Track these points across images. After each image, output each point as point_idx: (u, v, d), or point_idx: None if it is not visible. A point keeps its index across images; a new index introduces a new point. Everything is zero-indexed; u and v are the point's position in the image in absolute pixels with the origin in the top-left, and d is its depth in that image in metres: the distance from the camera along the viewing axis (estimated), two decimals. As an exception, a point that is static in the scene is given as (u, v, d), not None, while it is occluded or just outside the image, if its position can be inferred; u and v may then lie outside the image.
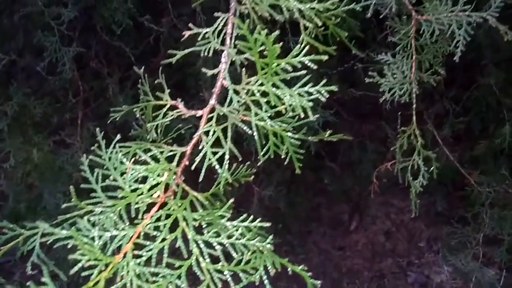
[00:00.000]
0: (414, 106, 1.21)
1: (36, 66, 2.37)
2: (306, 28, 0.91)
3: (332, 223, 3.50)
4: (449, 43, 1.18)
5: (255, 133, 0.85)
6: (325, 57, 0.81)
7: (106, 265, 0.67)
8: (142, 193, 0.75)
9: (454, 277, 2.99)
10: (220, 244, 0.74)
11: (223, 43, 0.90)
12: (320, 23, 0.89)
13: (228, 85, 0.86)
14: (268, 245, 0.77)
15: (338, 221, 3.51)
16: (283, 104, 0.83)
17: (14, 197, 2.46)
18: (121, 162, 0.75)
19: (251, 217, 0.78)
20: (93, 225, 0.70)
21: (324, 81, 0.83)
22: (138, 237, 0.72)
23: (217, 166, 0.81)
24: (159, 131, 0.92)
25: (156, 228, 0.73)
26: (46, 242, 0.69)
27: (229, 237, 0.75)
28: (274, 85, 0.83)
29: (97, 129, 0.78)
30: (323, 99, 0.84)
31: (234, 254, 0.75)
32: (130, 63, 2.43)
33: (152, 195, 0.75)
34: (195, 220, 0.75)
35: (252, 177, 0.96)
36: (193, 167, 0.82)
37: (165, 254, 0.71)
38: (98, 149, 0.78)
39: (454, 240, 2.56)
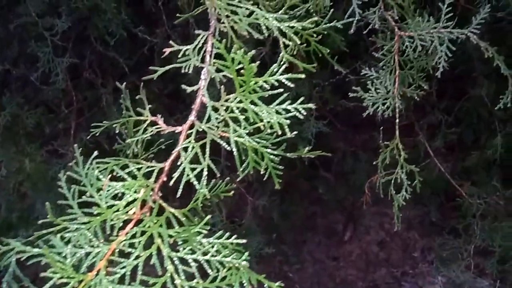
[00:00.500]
0: (397, 121, 1.23)
1: (30, 76, 2.39)
2: (286, 46, 0.92)
3: (327, 233, 3.49)
4: (433, 59, 1.19)
5: (234, 149, 0.86)
6: (302, 76, 0.82)
7: (79, 282, 0.67)
8: (118, 210, 0.76)
9: (448, 288, 2.99)
10: (196, 261, 0.75)
11: (203, 60, 0.91)
12: (299, 42, 0.90)
13: (207, 102, 0.87)
14: (244, 262, 0.77)
15: (333, 231, 3.50)
16: (261, 121, 0.84)
17: (7, 207, 2.45)
18: (98, 179, 0.76)
19: (227, 234, 0.78)
20: (68, 242, 0.71)
21: (301, 98, 0.84)
22: (112, 254, 0.72)
23: (195, 182, 0.82)
24: (139, 146, 0.92)
25: (131, 245, 0.73)
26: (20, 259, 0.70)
27: (205, 254, 0.76)
28: (252, 102, 0.84)
29: (75, 145, 0.79)
30: (301, 117, 0.85)
31: (209, 271, 0.76)
32: (124, 74, 2.45)
33: (128, 211, 0.75)
34: (170, 236, 0.75)
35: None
36: (171, 183, 0.83)
37: (140, 271, 0.72)
38: (75, 165, 0.78)
39: (446, 251, 2.56)
